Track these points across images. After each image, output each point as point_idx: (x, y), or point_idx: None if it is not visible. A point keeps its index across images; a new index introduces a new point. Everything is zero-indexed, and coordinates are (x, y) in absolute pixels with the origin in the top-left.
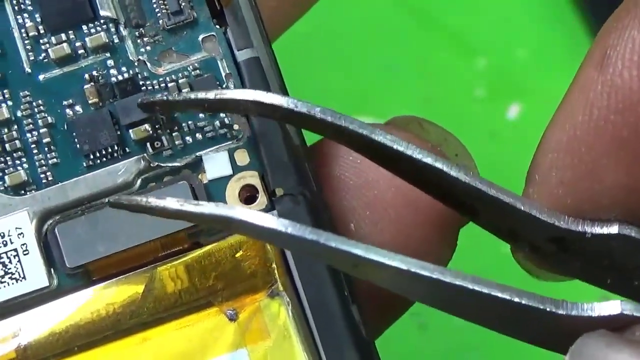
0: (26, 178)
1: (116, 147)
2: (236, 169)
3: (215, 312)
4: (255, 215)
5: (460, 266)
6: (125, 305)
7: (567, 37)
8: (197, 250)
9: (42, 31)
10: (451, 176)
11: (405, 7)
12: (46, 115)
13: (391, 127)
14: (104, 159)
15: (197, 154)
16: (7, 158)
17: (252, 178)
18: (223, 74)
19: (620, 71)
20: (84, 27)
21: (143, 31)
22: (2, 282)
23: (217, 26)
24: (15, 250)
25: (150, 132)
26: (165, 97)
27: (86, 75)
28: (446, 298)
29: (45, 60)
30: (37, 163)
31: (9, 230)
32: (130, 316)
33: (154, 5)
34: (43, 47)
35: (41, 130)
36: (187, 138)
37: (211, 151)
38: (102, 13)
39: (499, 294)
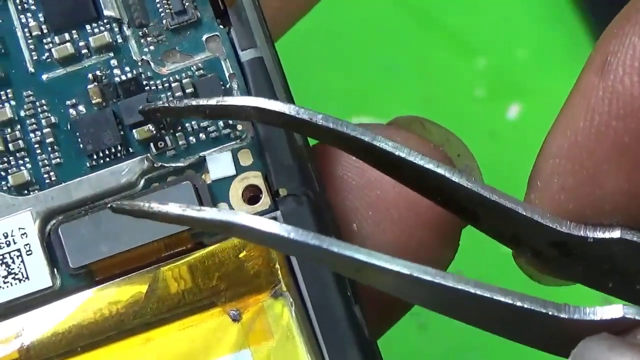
0: (29, 178)
1: (120, 147)
2: (240, 169)
3: (219, 312)
4: (257, 220)
5: (463, 266)
6: (129, 306)
7: (567, 37)
8: (201, 251)
9: (45, 31)
10: (453, 182)
11: (405, 7)
12: (49, 115)
13: (393, 127)
14: (108, 159)
15: (201, 154)
16: (11, 158)
17: (255, 178)
18: (227, 74)
19: (621, 77)
20: (88, 27)
21: (147, 31)
22: (5, 283)
23: (221, 26)
24: (19, 250)
25: (154, 132)
26: (166, 104)
27: (89, 75)
28: (448, 302)
29: (49, 60)
30: (40, 163)
31: (12, 231)
32: (134, 316)
33: (158, 5)
34: (46, 46)
35: (44, 130)
36: (191, 138)
37: (215, 151)
38: (106, 13)
39: (501, 298)
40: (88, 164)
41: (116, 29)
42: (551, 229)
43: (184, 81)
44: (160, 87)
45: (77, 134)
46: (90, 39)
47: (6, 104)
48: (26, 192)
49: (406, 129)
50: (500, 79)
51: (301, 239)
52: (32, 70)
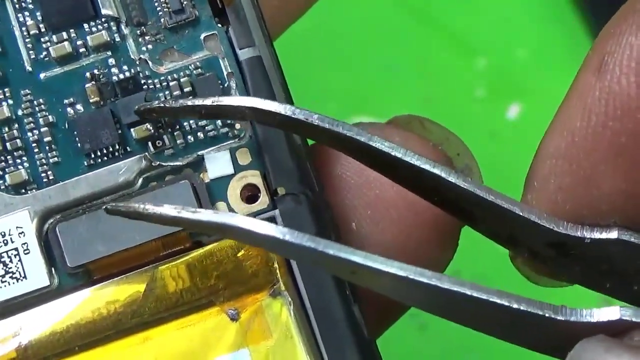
0: (27, 177)
1: (117, 146)
2: (238, 168)
3: (217, 311)
4: (253, 222)
5: (461, 266)
6: (127, 305)
7: (567, 37)
8: (199, 250)
9: (43, 29)
10: (449, 182)
11: (405, 7)
12: (47, 114)
13: (392, 126)
14: (105, 158)
15: (199, 153)
16: (8, 157)
17: (253, 177)
18: (225, 73)
19: (618, 77)
20: (85, 26)
21: (144, 30)
22: (2, 282)
23: (219, 25)
24: (16, 249)
25: (152, 131)
26: (162, 104)
27: (87, 74)
28: (445, 304)
29: (46, 58)
30: (38, 162)
31: (10, 230)
32: (132, 316)
33: (156, 4)
34: (44, 45)
35: (42, 129)
36: (189, 137)
37: (213, 150)
38: (104, 11)
39: (498, 300)
40: (86, 163)
41: (114, 28)
42: (548, 229)
43: (182, 80)
44: (158, 86)
45: (75, 132)
46: (88, 37)
47: (4, 103)
48: (24, 191)
49: (405, 128)
50: (500, 79)
51: (297, 241)
52: (30, 69)
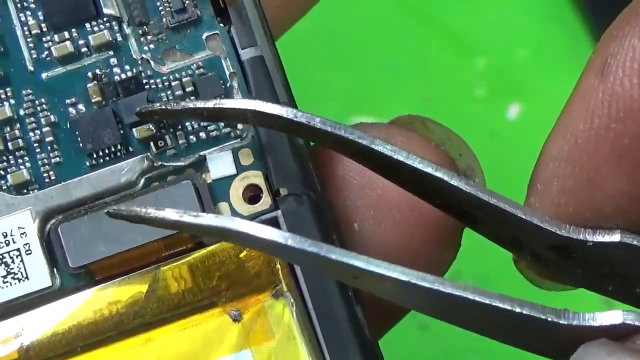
0: (29, 177)
1: (119, 146)
2: (240, 168)
3: (219, 312)
4: (255, 227)
5: (463, 267)
6: (129, 306)
7: (567, 37)
8: (201, 251)
9: (44, 29)
10: (452, 185)
11: (405, 7)
12: (49, 113)
13: (395, 126)
14: (107, 158)
15: (201, 153)
16: (10, 157)
17: (256, 178)
18: (227, 73)
19: (621, 79)
20: (87, 25)
21: (146, 29)
22: (4, 282)
23: (221, 24)
24: (18, 250)
25: (154, 131)
26: (163, 106)
27: (89, 74)
28: (447, 308)
29: (48, 58)
30: (39, 162)
31: (12, 230)
32: (134, 316)
33: (158, 3)
34: (46, 45)
35: (44, 129)
36: (191, 137)
37: (215, 150)
38: (106, 11)
39: (500, 305)
40: (88, 163)
41: (116, 28)
42: (551, 232)
43: (184, 80)
44: (160, 85)
45: (77, 132)
46: (90, 37)
47: (5, 103)
48: (25, 191)
49: (407, 128)
50: (500, 79)
51: (298, 246)
52: (32, 68)
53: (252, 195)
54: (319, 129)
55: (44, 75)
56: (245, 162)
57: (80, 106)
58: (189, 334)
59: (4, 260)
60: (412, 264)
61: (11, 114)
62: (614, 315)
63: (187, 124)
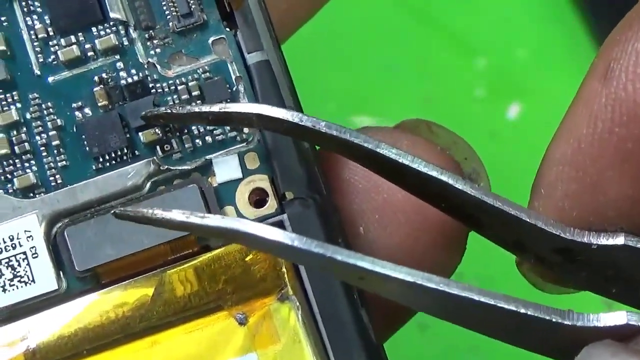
0: (35, 181)
1: (126, 150)
2: (246, 172)
3: (225, 316)
4: (261, 228)
5: (469, 269)
6: (135, 309)
7: (567, 37)
8: (207, 254)
9: (51, 33)
10: (457, 189)
11: (405, 7)
12: (55, 117)
13: (400, 130)
14: (114, 162)
15: (207, 157)
16: (16, 160)
17: (262, 181)
18: (233, 77)
19: (624, 84)
20: (94, 29)
21: (153, 33)
22: (11, 285)
23: (227, 29)
24: (25, 253)
25: (160, 135)
26: (169, 110)
27: (96, 78)
28: (452, 309)
29: (55, 62)
30: (46, 166)
31: (18, 233)
32: (140, 320)
33: (164, 8)
34: (52, 49)
35: (50, 133)
36: (197, 141)
37: (221, 154)
38: (112, 15)
39: (505, 305)
40: (94, 167)
41: (122, 32)
42: (554, 235)
43: (190, 84)
44: (166, 89)
45: (83, 136)
46: (97, 41)
47: (12, 107)
48: (32, 194)
49: (413, 132)
50: (500, 79)
51: (305, 247)
52: (38, 72)
53: (258, 199)
54: (325, 133)
55: (50, 79)
56: (251, 166)
57: (87, 110)
58: (195, 337)
59: (10, 263)
60: (417, 267)
61: (18, 118)
62: (618, 316)
63: (193, 127)
